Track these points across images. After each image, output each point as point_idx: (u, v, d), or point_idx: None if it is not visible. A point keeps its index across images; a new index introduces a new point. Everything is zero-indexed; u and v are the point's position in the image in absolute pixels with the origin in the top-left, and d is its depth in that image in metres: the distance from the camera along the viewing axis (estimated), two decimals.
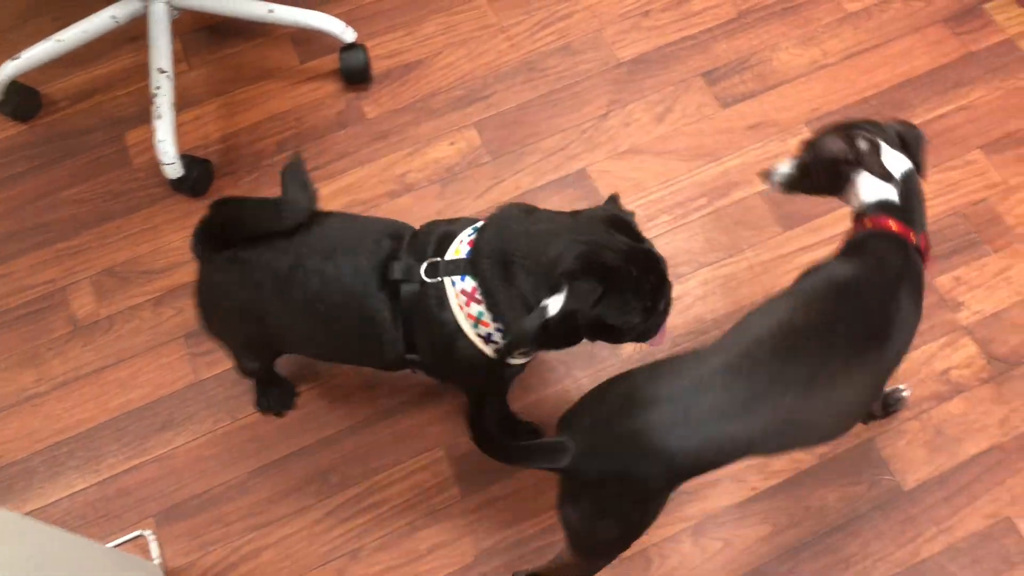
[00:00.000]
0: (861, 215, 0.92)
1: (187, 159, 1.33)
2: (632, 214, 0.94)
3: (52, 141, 1.42)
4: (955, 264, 1.25)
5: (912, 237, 0.88)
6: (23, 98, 1.42)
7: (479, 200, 1.35)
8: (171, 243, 1.33)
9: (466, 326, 0.93)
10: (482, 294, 0.91)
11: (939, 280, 1.24)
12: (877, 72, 1.42)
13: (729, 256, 1.28)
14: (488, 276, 0.90)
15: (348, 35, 1.42)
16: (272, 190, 1.34)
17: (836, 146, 0.95)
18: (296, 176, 0.94)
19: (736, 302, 1.25)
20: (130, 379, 1.23)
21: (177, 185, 1.34)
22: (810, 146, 0.99)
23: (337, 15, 1.46)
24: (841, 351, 0.81)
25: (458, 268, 0.92)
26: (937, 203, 1.29)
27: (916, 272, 0.88)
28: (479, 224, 0.95)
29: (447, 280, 0.92)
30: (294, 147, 1.40)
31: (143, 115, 1.43)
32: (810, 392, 0.80)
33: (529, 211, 0.95)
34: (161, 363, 1.25)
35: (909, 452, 1.14)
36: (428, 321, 0.93)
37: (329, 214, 0.97)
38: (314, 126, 1.42)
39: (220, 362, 1.24)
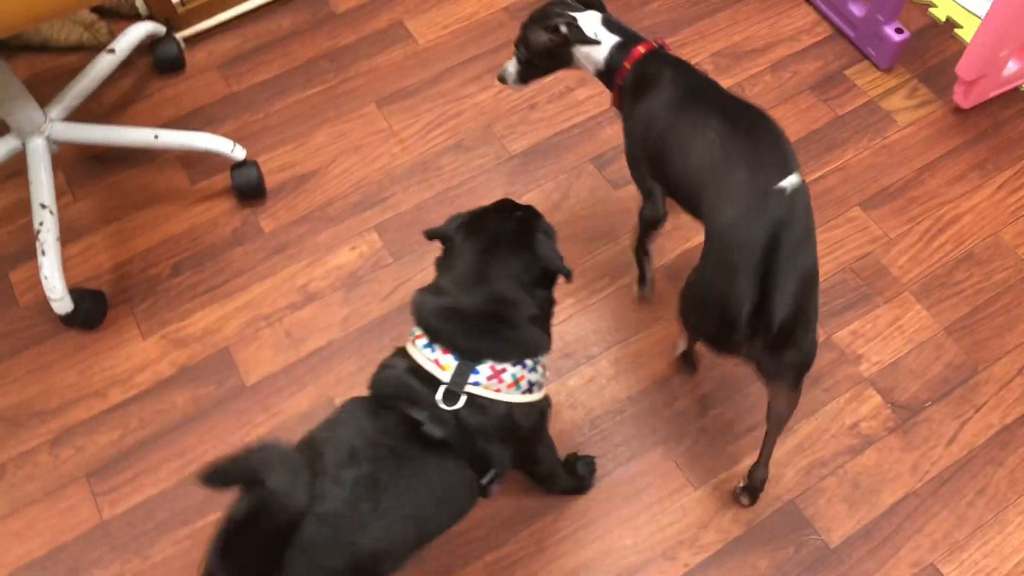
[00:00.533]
0: (611, 70, 1.13)
1: (77, 292, 1.29)
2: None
3: None
4: (850, 319, 1.29)
5: (656, 43, 1.13)
6: None
7: (385, 302, 1.34)
8: (64, 380, 1.27)
9: (515, 396, 0.91)
10: (495, 359, 0.90)
11: (837, 336, 1.28)
12: None
13: (636, 332, 1.30)
14: (485, 348, 0.90)
15: (238, 153, 1.42)
16: (168, 314, 1.33)
17: (543, 38, 1.15)
18: (277, 457, 0.80)
19: (649, 377, 1.26)
20: (27, 529, 1.16)
21: (68, 320, 1.30)
22: (521, 44, 1.20)
23: (225, 134, 1.47)
24: None
25: (465, 375, 0.89)
26: (826, 261, 1.35)
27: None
28: (415, 346, 0.93)
29: (472, 389, 0.89)
30: (191, 268, 1.37)
31: (27, 252, 1.39)
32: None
33: (426, 290, 0.96)
34: (61, 508, 1.18)
35: (830, 509, 1.15)
36: (488, 430, 0.90)
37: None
38: (210, 245, 1.40)
39: (125, 498, 1.18)
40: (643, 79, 1.09)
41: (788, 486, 1.16)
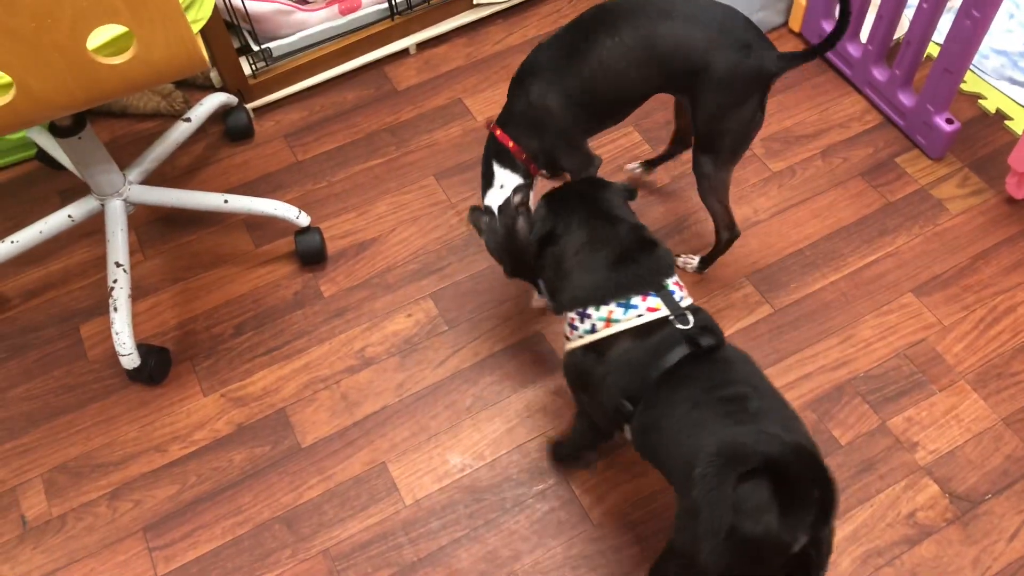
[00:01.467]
0: None
1: (144, 348, 1.33)
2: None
3: (3, 340, 1.41)
4: (905, 406, 1.29)
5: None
6: None
7: (439, 368, 1.36)
8: (127, 434, 1.30)
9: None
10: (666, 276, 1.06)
11: (892, 422, 1.27)
12: (807, 225, 1.51)
13: None
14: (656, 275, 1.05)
15: (302, 220, 1.47)
16: (229, 373, 1.36)
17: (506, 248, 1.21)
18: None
19: None
20: None
21: (134, 375, 1.33)
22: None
23: (289, 201, 1.52)
24: None
25: (672, 301, 1.04)
26: (880, 346, 1.35)
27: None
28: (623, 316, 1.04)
29: (684, 303, 1.05)
30: (253, 329, 1.41)
31: (98, 307, 1.44)
32: None
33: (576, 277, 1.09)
34: (117, 561, 1.19)
35: None
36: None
37: None
38: (272, 307, 1.44)
39: (180, 554, 1.19)
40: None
41: (844, 574, 1.15)
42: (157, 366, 1.35)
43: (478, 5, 1.84)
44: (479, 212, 1.23)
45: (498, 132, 1.23)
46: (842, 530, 1.18)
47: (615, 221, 1.08)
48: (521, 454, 1.28)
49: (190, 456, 1.28)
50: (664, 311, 1.01)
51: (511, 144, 1.22)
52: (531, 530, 1.21)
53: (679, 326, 0.99)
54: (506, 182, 1.22)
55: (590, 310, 1.03)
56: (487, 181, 1.24)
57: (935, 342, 1.36)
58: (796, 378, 1.33)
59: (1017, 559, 1.15)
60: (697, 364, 0.97)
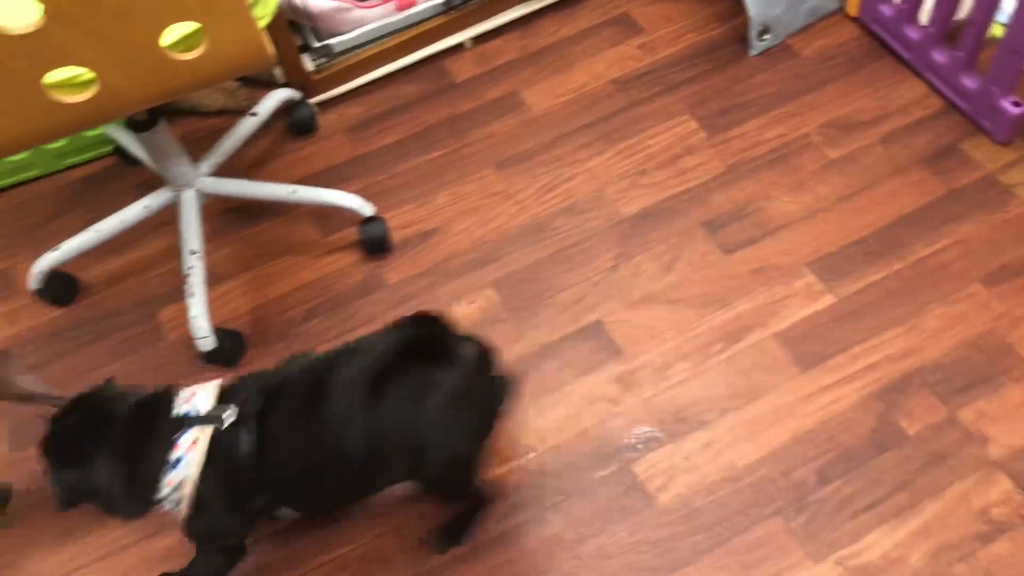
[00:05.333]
0: None
1: (219, 332, 1.32)
2: None
3: (88, 324, 1.41)
4: (974, 397, 1.20)
5: None
6: (61, 285, 1.42)
7: (504, 354, 1.31)
8: None
9: None
10: None
11: (961, 413, 1.19)
12: (868, 213, 1.42)
13: (750, 401, 1.24)
14: None
15: (367, 210, 1.44)
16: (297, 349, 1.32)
17: None
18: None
19: (764, 446, 1.19)
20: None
21: (210, 357, 1.32)
22: None
23: (355, 191, 1.49)
24: None
25: None
26: (947, 336, 1.27)
27: None
28: None
29: None
30: (322, 315, 1.39)
31: (175, 294, 1.42)
32: None
33: None
34: None
35: None
36: None
37: None
38: (339, 294, 1.42)
39: None
40: None
41: (916, 568, 1.08)
42: (232, 349, 1.33)
43: None
44: None
45: None
46: (911, 523, 1.11)
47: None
48: (584, 439, 1.23)
49: None
50: (204, 435, 0.94)
51: None
52: (595, 515, 1.16)
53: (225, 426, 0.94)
54: None
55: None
56: None
57: (1005, 333, 1.26)
58: (861, 368, 1.25)
59: None
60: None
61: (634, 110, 1.61)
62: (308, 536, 1.18)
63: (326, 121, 1.67)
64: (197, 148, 1.56)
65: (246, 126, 1.53)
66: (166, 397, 0.98)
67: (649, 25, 1.74)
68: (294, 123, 1.65)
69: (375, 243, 1.46)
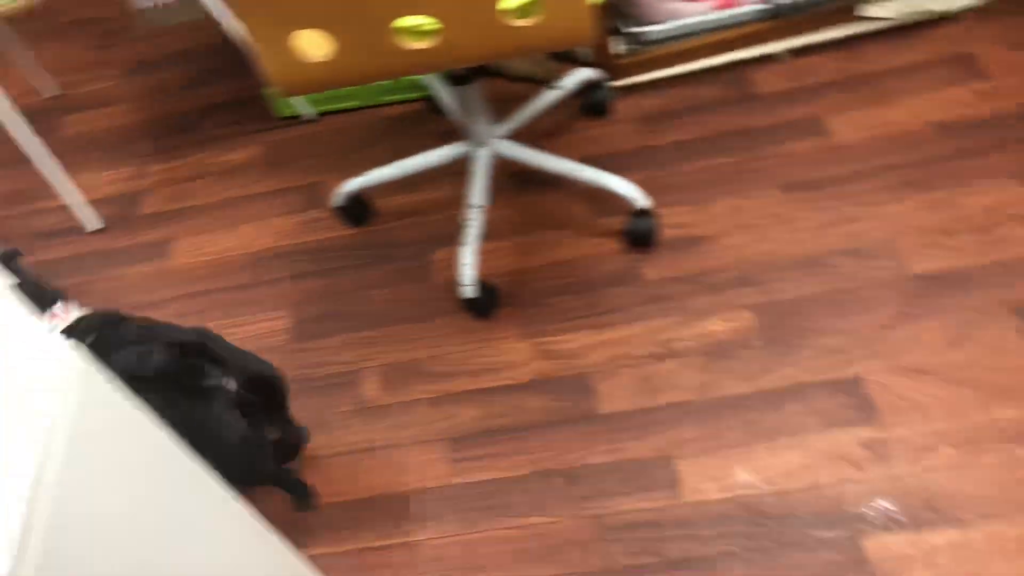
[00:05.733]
0: None
1: (480, 284, 1.40)
2: None
3: (373, 247, 1.56)
4: None
5: None
6: (359, 208, 1.58)
7: (745, 383, 1.27)
8: (450, 353, 1.38)
9: None
10: None
11: None
12: None
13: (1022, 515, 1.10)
14: None
15: (642, 201, 1.44)
16: (545, 326, 1.36)
17: None
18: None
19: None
20: (396, 465, 1.28)
21: (468, 305, 1.41)
22: None
23: (632, 180, 1.50)
24: None
25: None
26: None
27: None
28: None
29: None
30: (574, 293, 1.42)
31: (450, 239, 1.53)
32: None
33: None
34: (424, 458, 1.28)
35: None
36: None
37: None
38: (595, 278, 1.44)
39: (473, 472, 1.24)
40: None
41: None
42: (488, 302, 1.41)
43: (864, 19, 1.67)
44: None
45: None
46: None
47: None
48: (814, 494, 1.16)
49: (497, 389, 1.33)
50: None
51: None
52: (805, 571, 1.10)
53: None
54: None
55: None
56: None
57: None
58: None
59: None
60: None
61: (953, 162, 1.47)
62: (507, 497, 1.25)
63: (620, 107, 1.69)
64: (498, 109, 1.66)
65: (547, 98, 1.60)
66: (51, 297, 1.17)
67: (998, 72, 1.56)
68: (589, 103, 1.69)
69: (642, 236, 1.46)
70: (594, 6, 1.15)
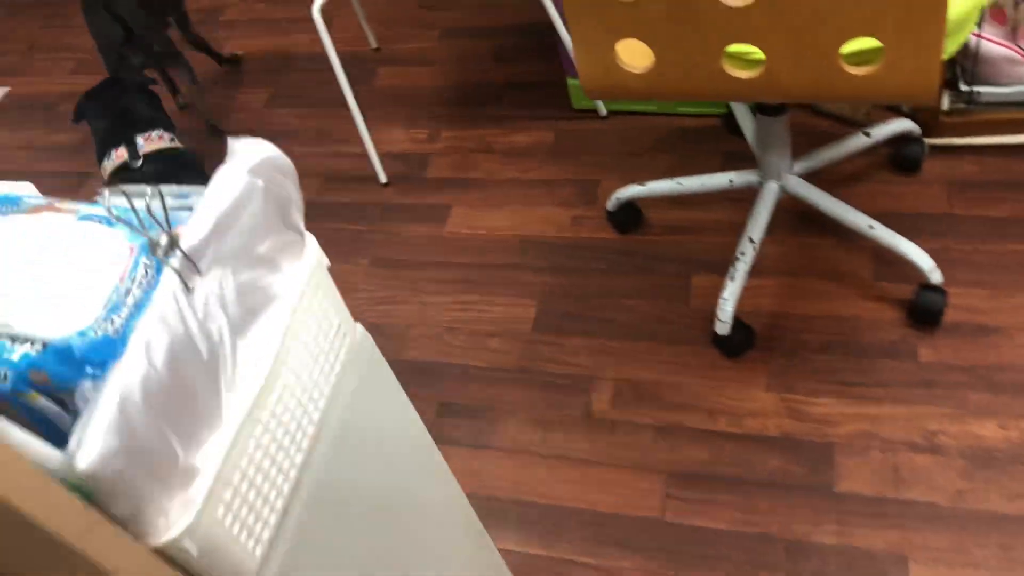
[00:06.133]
0: None
1: (736, 322, 1.37)
2: None
3: (634, 256, 1.58)
4: None
5: None
6: (630, 215, 1.60)
7: (1011, 502, 1.15)
8: (690, 386, 1.37)
9: None
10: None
11: None
12: None
13: None
14: None
15: (935, 276, 1.33)
16: (797, 382, 1.31)
17: None
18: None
19: None
20: (590, 482, 1.30)
21: (718, 341, 1.39)
22: None
23: (928, 249, 1.39)
24: None
25: None
26: None
27: None
28: None
29: None
30: (838, 354, 1.35)
31: (715, 266, 1.51)
32: None
33: None
34: (637, 486, 1.29)
35: None
36: None
37: None
38: (864, 343, 1.36)
39: (687, 516, 1.23)
40: None
41: None
42: (740, 342, 1.38)
43: None
44: None
45: None
46: None
47: None
48: None
49: (732, 436, 1.31)
50: None
51: None
52: None
53: None
54: None
55: None
56: None
57: None
58: None
59: None
60: None
61: None
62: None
63: (931, 167, 1.56)
64: (798, 143, 1.57)
65: (855, 142, 1.51)
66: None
67: None
68: (899, 156, 1.57)
69: (926, 313, 1.35)
70: (942, 61, 1.08)
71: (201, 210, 0.45)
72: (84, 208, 0.50)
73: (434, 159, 1.87)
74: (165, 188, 0.50)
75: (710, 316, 1.43)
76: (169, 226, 0.47)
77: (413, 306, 1.61)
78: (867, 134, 1.51)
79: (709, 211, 1.61)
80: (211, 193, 0.45)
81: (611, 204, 1.59)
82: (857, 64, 1.06)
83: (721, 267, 1.49)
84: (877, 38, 1.01)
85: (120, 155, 1.52)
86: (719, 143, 1.72)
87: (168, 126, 1.62)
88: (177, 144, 1.61)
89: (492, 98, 1.96)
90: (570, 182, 1.73)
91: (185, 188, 0.50)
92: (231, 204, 0.45)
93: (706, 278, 1.51)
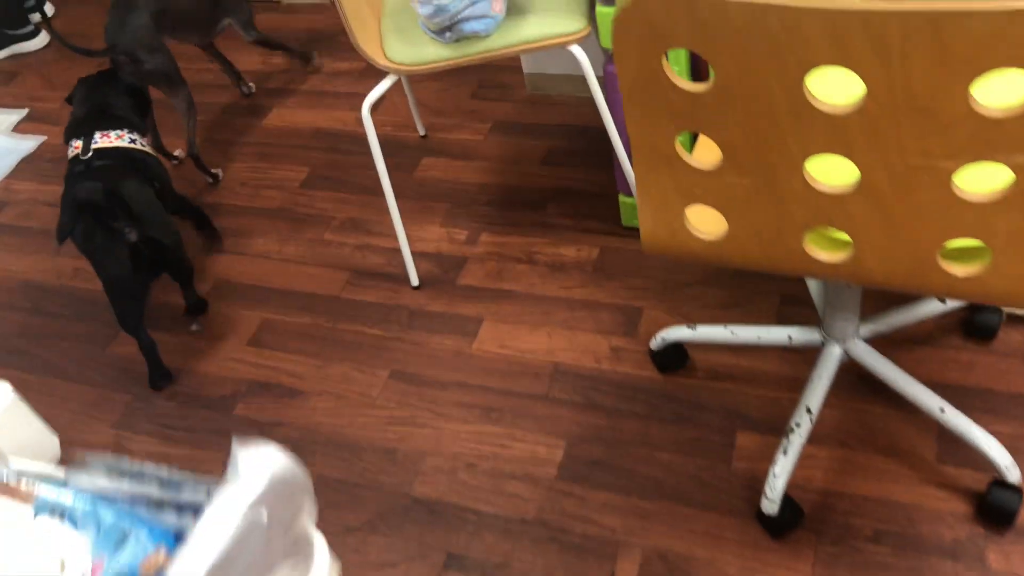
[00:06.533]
0: None
1: (786, 500, 1.25)
2: None
3: (675, 401, 1.46)
4: None
5: None
6: (674, 356, 1.49)
7: None
8: (727, 563, 1.25)
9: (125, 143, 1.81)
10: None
11: None
12: None
13: None
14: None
15: (1012, 475, 1.20)
16: (847, 572, 1.20)
17: None
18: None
19: None
20: None
21: (762, 518, 1.26)
22: None
23: (1000, 432, 1.27)
24: None
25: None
26: None
27: None
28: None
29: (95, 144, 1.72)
30: (891, 546, 1.22)
31: (765, 424, 1.39)
32: None
33: None
34: None
35: None
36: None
37: None
38: (922, 537, 1.23)
39: None
40: None
41: None
42: (786, 522, 1.26)
43: None
44: None
45: None
46: None
47: None
48: None
49: None
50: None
51: None
52: None
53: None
54: None
55: None
56: None
57: None
58: None
59: None
60: None
61: None
62: None
63: (1009, 337, 1.44)
64: (866, 300, 1.48)
65: (928, 307, 1.40)
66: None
67: None
68: (974, 322, 1.45)
69: (999, 513, 1.22)
70: None
71: (194, 547, 0.36)
72: (45, 492, 0.41)
73: (470, 264, 1.78)
74: (150, 469, 0.41)
75: (753, 483, 1.31)
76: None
77: (430, 431, 1.50)
78: (942, 300, 1.41)
79: (761, 359, 1.49)
80: (207, 527, 0.36)
81: (655, 343, 1.48)
82: (957, 259, 0.96)
83: (768, 426, 1.38)
84: (984, 241, 0.91)
85: (76, 147, 1.63)
86: (777, 282, 1.61)
87: (141, 131, 1.72)
88: (137, 145, 1.67)
89: (539, 203, 1.87)
90: (612, 307, 1.63)
91: (175, 475, 0.42)
92: (229, 543, 0.36)
93: (751, 437, 1.39)
